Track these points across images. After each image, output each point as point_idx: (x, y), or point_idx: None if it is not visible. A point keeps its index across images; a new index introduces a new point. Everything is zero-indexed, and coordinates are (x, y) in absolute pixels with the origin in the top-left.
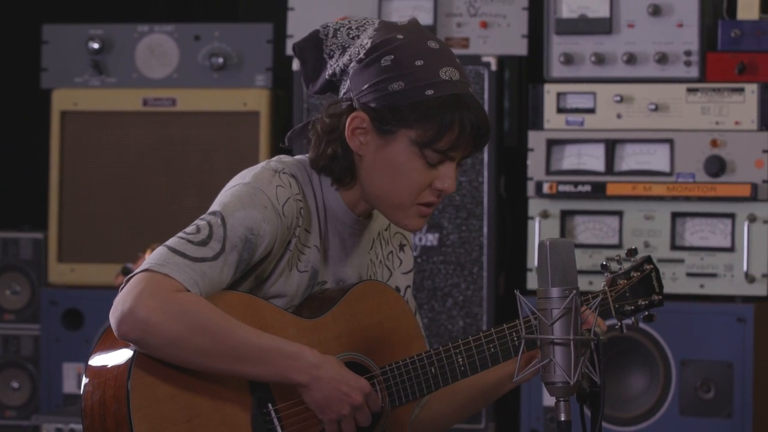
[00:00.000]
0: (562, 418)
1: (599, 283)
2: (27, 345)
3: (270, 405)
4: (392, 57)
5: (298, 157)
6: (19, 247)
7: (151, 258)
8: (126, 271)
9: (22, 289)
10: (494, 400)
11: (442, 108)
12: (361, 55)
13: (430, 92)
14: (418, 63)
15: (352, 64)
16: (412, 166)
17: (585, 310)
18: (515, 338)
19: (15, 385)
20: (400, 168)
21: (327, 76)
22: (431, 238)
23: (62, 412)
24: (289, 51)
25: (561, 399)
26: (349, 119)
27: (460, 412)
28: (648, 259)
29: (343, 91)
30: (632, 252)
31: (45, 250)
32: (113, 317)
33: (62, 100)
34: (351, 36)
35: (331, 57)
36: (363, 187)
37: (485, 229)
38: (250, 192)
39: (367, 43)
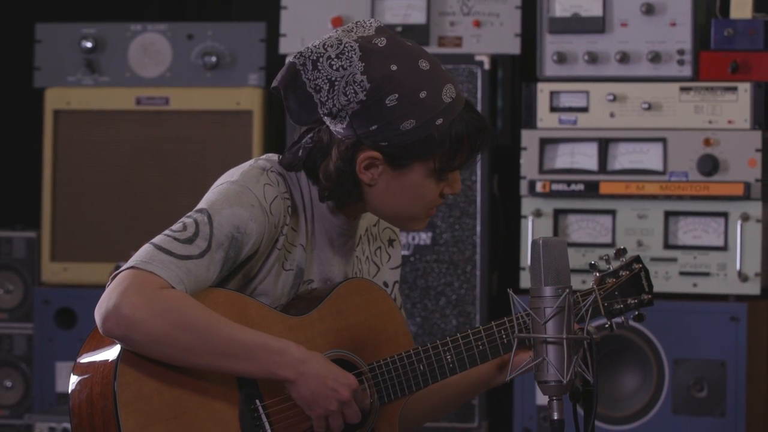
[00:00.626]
0: (555, 417)
1: (591, 283)
2: (20, 344)
3: (258, 401)
4: (396, 96)
5: None
6: (12, 246)
7: (136, 255)
8: None
9: (15, 288)
10: (483, 391)
11: (452, 132)
12: (361, 96)
13: (439, 121)
14: (422, 95)
15: (351, 105)
16: (428, 187)
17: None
18: (504, 336)
19: (8, 384)
20: (417, 192)
21: (322, 114)
22: (424, 237)
23: (55, 411)
24: (282, 50)
25: (554, 398)
26: (360, 159)
27: (451, 404)
28: (637, 259)
29: (340, 127)
30: (621, 252)
31: (38, 249)
32: (98, 314)
33: (55, 99)
34: (335, 67)
35: (318, 91)
36: (373, 207)
37: (478, 228)
38: (238, 190)
39: (362, 80)
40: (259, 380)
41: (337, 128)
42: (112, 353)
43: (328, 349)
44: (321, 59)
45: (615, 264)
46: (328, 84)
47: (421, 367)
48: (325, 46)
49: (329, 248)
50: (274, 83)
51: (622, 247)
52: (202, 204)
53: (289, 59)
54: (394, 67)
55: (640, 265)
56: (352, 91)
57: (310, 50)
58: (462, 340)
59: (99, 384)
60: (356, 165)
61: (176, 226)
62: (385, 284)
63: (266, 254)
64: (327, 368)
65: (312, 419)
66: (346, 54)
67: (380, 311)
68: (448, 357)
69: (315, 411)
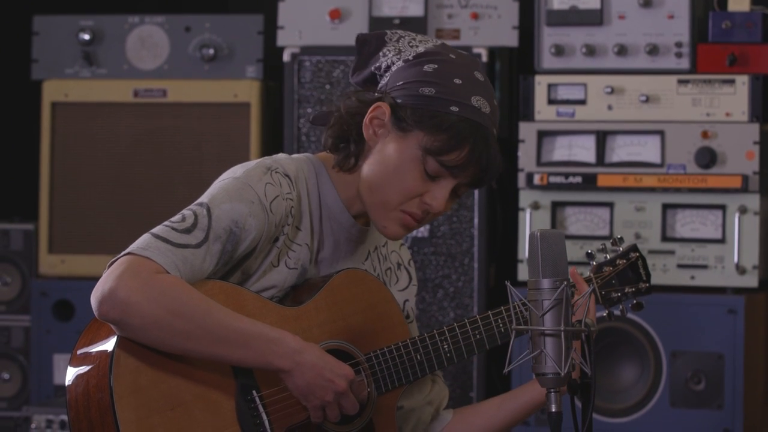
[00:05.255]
0: (553, 409)
1: (588, 272)
2: (17, 336)
3: (254, 392)
4: (436, 66)
5: (305, 155)
6: (9, 239)
7: (134, 243)
8: None
9: (13, 280)
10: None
11: (459, 127)
12: (410, 57)
13: (454, 109)
14: (456, 81)
15: (398, 63)
16: (410, 169)
17: (576, 300)
18: (501, 325)
19: (5, 376)
20: (400, 167)
21: (373, 68)
22: (422, 230)
23: (53, 403)
24: (280, 42)
25: (552, 390)
26: (372, 107)
27: (505, 427)
28: (634, 248)
29: (380, 85)
30: (618, 241)
31: (35, 241)
32: (94, 298)
33: (53, 91)
34: (411, 45)
35: (384, 56)
36: (360, 177)
37: (476, 221)
38: (239, 186)
39: (422, 49)
40: (255, 371)
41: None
42: (108, 345)
43: (325, 339)
44: (406, 38)
45: (612, 253)
46: (394, 51)
47: (419, 357)
48: (418, 35)
49: (334, 251)
50: (360, 34)
51: (619, 236)
52: (203, 198)
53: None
54: (452, 56)
55: (637, 254)
56: (407, 54)
57: (406, 32)
58: (459, 329)
59: (95, 376)
60: (366, 116)
61: (175, 217)
62: (393, 297)
63: (265, 252)
64: (323, 359)
65: (309, 410)
66: (426, 42)
67: (376, 301)
68: (445, 347)
69: (311, 401)
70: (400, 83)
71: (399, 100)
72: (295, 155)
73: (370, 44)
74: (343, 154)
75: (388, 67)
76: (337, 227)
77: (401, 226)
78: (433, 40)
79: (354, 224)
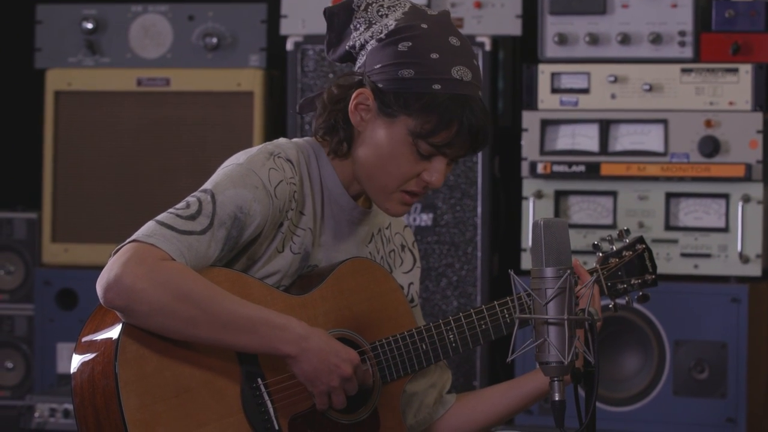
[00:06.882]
0: (556, 398)
1: (593, 263)
2: (21, 325)
3: (259, 379)
4: (410, 44)
5: (304, 139)
6: (12, 227)
7: (139, 230)
8: None
9: (16, 269)
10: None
11: (445, 105)
12: (382, 35)
13: (437, 87)
14: (433, 56)
15: (371, 42)
16: (404, 153)
17: (579, 289)
18: (506, 315)
19: (9, 365)
20: (392, 152)
21: (347, 47)
22: (425, 218)
23: (56, 392)
24: (283, 31)
25: (555, 379)
26: (354, 94)
27: (507, 414)
28: (640, 239)
29: (358, 65)
30: (624, 232)
31: (39, 230)
32: (99, 285)
33: (56, 80)
34: (380, 14)
35: (356, 29)
36: (355, 162)
37: (479, 209)
38: (243, 172)
39: (392, 24)
40: (260, 357)
41: (355, 68)
42: (113, 332)
43: (330, 328)
44: (373, 5)
45: (618, 244)
46: (365, 24)
47: (424, 347)
48: None
49: (335, 234)
50: (327, 8)
51: (625, 227)
52: (207, 184)
53: None
54: (424, 26)
55: (644, 246)
56: (378, 30)
57: None
58: (465, 319)
59: (100, 363)
60: (350, 101)
61: (180, 204)
62: (399, 287)
63: (270, 238)
64: (329, 344)
65: (314, 396)
66: (395, 7)
67: (382, 291)
68: (451, 336)
69: (317, 387)
70: (378, 66)
71: (380, 85)
72: (295, 139)
73: (338, 16)
74: (335, 141)
75: (363, 46)
76: (338, 210)
77: (403, 204)
78: (402, 3)
79: (355, 207)
